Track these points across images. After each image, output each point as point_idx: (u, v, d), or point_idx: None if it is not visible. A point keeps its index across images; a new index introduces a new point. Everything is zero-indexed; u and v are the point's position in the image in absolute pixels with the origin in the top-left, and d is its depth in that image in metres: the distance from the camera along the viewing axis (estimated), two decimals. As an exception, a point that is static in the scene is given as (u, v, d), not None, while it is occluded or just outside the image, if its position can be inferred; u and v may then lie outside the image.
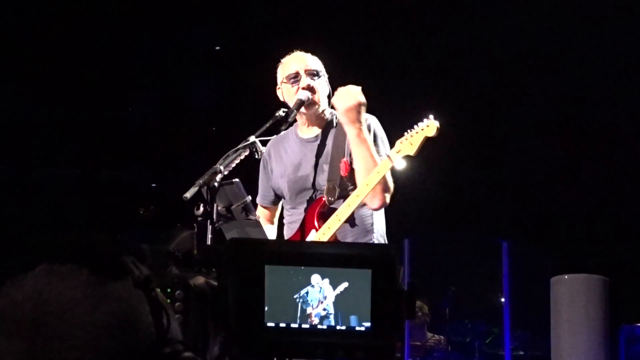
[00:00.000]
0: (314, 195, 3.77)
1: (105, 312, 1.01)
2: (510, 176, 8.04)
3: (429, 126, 3.60)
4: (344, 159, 3.71)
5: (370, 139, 3.63)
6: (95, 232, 1.10)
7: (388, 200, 3.70)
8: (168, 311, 1.08)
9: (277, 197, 3.96)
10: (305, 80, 3.78)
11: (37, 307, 1.00)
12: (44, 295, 1.00)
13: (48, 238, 1.09)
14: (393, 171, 3.74)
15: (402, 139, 3.64)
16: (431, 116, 3.61)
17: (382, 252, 1.31)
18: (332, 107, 3.75)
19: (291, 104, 3.77)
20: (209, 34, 8.20)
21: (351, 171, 3.69)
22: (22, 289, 1.01)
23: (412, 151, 3.60)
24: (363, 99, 3.60)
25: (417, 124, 3.64)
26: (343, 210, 3.63)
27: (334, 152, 3.75)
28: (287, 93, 3.83)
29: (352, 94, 3.60)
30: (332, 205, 3.70)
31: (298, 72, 3.80)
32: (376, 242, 3.73)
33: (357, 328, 1.30)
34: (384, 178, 3.62)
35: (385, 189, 3.67)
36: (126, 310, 1.03)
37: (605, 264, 7.23)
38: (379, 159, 3.62)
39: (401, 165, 3.66)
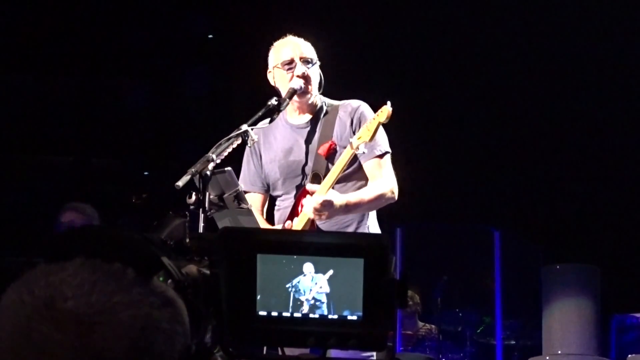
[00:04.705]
0: (303, 182, 3.79)
1: (156, 314, 1.04)
2: (502, 166, 8.04)
3: (382, 111, 3.60)
4: (330, 142, 3.74)
5: (357, 195, 3.68)
6: (126, 229, 1.12)
7: (395, 195, 3.75)
8: (202, 312, 1.11)
9: (263, 185, 3.95)
10: (300, 69, 3.77)
11: (90, 306, 1.01)
12: (95, 295, 1.02)
13: (85, 231, 1.12)
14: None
15: (364, 125, 3.66)
16: (388, 102, 3.61)
17: (374, 241, 1.31)
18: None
19: (282, 89, 3.78)
20: (202, 22, 8.18)
21: (332, 153, 3.71)
22: (66, 282, 1.02)
23: (367, 137, 3.59)
24: (335, 203, 3.59)
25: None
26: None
27: (321, 140, 3.78)
28: (280, 79, 3.82)
29: (326, 208, 3.58)
30: None
31: (293, 59, 3.79)
32: (368, 231, 3.74)
33: (349, 317, 1.30)
34: (374, 200, 3.69)
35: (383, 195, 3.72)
36: (173, 312, 1.07)
37: (597, 253, 7.25)
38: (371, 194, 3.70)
39: (362, 150, 3.66)
